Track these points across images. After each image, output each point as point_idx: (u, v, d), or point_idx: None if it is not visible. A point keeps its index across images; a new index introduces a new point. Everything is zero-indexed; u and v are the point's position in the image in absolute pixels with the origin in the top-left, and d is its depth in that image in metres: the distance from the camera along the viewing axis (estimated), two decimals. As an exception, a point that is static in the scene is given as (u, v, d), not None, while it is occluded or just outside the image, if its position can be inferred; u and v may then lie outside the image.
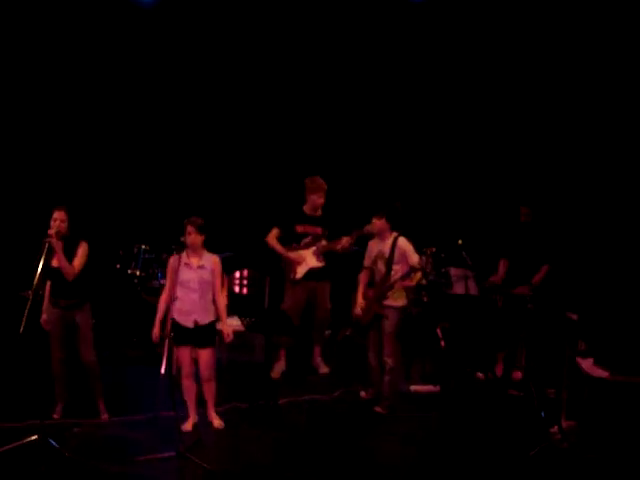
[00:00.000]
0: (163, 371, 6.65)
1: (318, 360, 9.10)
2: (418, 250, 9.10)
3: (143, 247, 9.83)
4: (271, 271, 9.12)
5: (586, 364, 6.22)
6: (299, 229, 8.84)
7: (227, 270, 9.38)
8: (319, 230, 8.83)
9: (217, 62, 11.18)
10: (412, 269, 7.53)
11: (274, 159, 11.11)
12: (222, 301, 7.19)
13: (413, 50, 10.92)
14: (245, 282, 9.42)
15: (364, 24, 10.84)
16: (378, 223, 7.76)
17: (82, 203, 10.30)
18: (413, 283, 7.69)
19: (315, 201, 8.80)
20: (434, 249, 9.27)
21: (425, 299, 9.08)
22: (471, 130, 10.84)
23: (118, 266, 9.91)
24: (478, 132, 10.80)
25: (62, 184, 10.20)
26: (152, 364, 8.32)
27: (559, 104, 10.30)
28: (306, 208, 8.88)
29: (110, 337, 9.56)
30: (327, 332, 9.51)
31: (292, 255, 8.76)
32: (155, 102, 11.13)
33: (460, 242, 9.24)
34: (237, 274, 9.41)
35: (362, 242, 8.32)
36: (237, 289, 9.40)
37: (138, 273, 9.80)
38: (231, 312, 8.23)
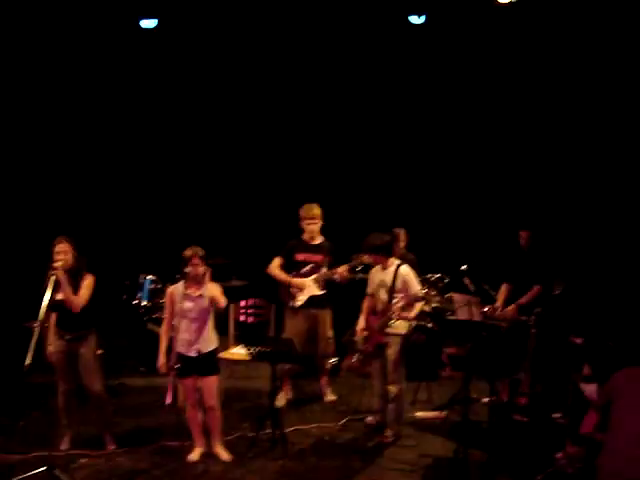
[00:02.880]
0: (169, 401, 6.74)
1: (324, 388, 9.12)
2: (422, 276, 9.26)
3: (149, 277, 9.88)
4: (277, 300, 9.13)
5: (590, 389, 6.22)
6: (299, 257, 8.87)
7: (233, 299, 9.48)
8: (319, 258, 8.85)
9: (211, 98, 11.33)
10: (413, 299, 7.57)
11: (276, 185, 11.20)
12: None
13: (411, 72, 11.02)
14: (251, 311, 9.45)
15: (362, 42, 10.95)
16: (374, 258, 7.84)
17: (87, 233, 10.53)
18: (413, 314, 7.71)
19: (307, 228, 8.83)
20: (436, 275, 9.31)
21: (430, 325, 9.13)
22: (471, 154, 10.92)
23: (125, 296, 9.96)
24: (478, 156, 10.88)
25: (66, 214, 10.29)
26: (158, 394, 8.44)
27: (557, 128, 10.37)
28: (305, 236, 8.92)
29: (117, 367, 9.63)
30: (334, 360, 9.52)
31: (296, 281, 8.81)
32: (161, 130, 11.24)
33: (464, 267, 9.29)
34: (242, 303, 9.45)
35: (367, 268, 8.36)
36: (242, 318, 9.45)
37: (144, 303, 9.84)
38: (237, 340, 8.30)
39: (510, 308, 8.62)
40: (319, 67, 11.21)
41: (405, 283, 7.66)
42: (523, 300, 8.56)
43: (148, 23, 10.75)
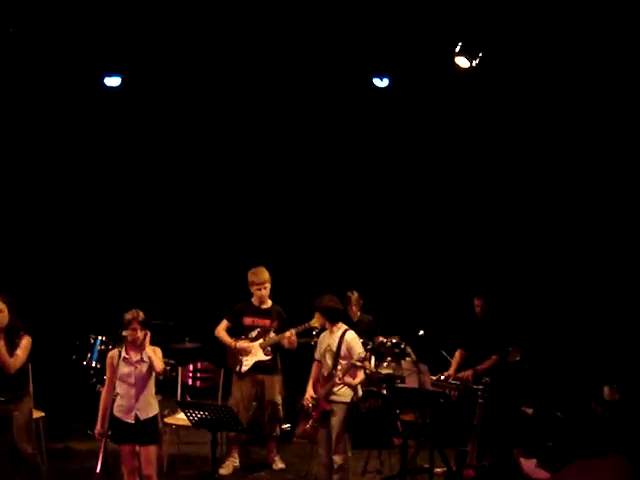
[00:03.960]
0: (98, 470, 6.54)
1: (273, 456, 8.88)
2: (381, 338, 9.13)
3: (100, 338, 9.68)
4: (225, 364, 8.96)
5: (528, 465, 6.04)
6: (247, 321, 8.72)
7: (181, 362, 9.30)
8: (267, 322, 8.70)
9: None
10: (356, 364, 7.41)
11: (228, 246, 11.13)
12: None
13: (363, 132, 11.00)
14: (199, 375, 9.27)
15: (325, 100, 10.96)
16: (322, 320, 7.72)
17: (37, 292, 10.39)
18: (357, 381, 7.55)
19: (257, 293, 8.70)
20: (393, 340, 9.15)
21: (385, 392, 8.94)
22: (427, 217, 10.91)
23: (74, 357, 9.75)
24: (433, 218, 10.86)
25: (14, 272, 10.13)
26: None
27: (509, 194, 10.38)
28: (254, 300, 8.78)
29: (64, 430, 9.38)
30: (286, 426, 9.32)
31: (240, 345, 8.63)
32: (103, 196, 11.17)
33: (421, 333, 9.16)
34: (191, 366, 9.26)
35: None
36: (190, 382, 9.25)
37: (94, 364, 9.63)
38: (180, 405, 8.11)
39: (467, 373, 8.45)
40: (273, 121, 11.20)
41: (349, 349, 7.51)
42: (480, 367, 8.42)
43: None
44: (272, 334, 8.67)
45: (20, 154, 10.78)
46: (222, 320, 8.77)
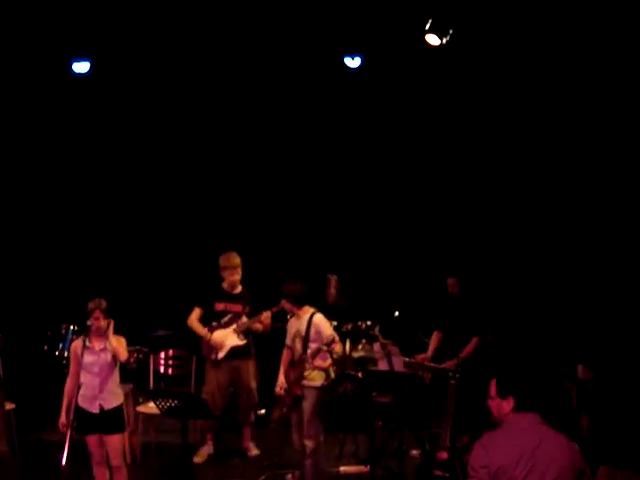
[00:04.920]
0: (64, 462, 6.44)
1: (247, 442, 8.80)
2: (353, 323, 9.03)
3: (72, 327, 9.54)
4: (197, 351, 8.85)
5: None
6: (218, 307, 8.61)
7: (153, 349, 9.19)
8: (239, 307, 8.60)
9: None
10: (326, 346, 7.30)
11: (195, 232, 11.02)
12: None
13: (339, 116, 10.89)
14: (171, 362, 9.18)
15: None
16: (284, 304, 7.63)
17: (7, 281, 10.26)
18: (328, 363, 7.45)
19: (229, 278, 8.60)
20: (367, 323, 9.05)
21: (359, 375, 8.84)
22: (398, 197, 10.80)
23: (46, 347, 9.62)
24: (406, 200, 10.76)
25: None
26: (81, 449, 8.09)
27: (485, 172, 10.27)
28: (225, 285, 8.67)
29: (36, 422, 9.27)
30: (261, 411, 9.23)
31: (215, 338, 8.52)
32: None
33: (397, 314, 9.09)
34: (162, 354, 9.16)
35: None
36: (162, 369, 9.15)
37: (66, 354, 9.48)
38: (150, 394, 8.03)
39: (451, 363, 8.29)
40: (246, 109, 11.04)
41: (318, 332, 7.42)
42: (464, 354, 8.30)
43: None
44: (244, 318, 8.58)
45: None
46: (193, 309, 8.65)
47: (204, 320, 8.62)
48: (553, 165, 9.75)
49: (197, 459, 8.50)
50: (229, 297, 8.64)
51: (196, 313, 8.63)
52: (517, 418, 4.87)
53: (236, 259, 8.60)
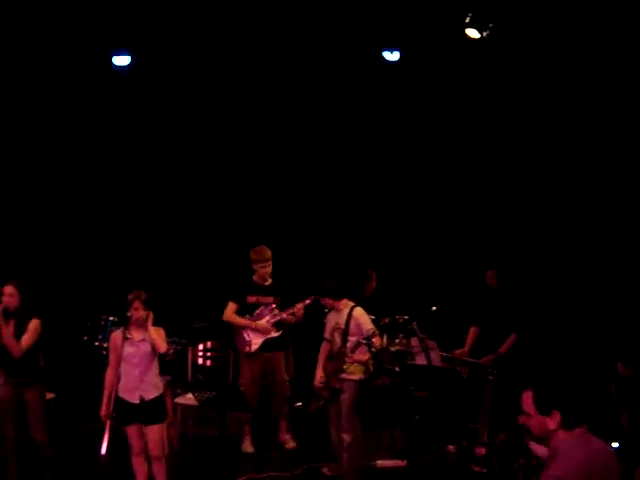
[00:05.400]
0: (104, 451, 6.51)
1: (284, 435, 8.84)
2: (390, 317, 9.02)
3: (111, 319, 9.62)
4: (232, 344, 8.90)
5: (541, 450, 5.86)
6: (250, 300, 8.68)
7: (191, 341, 9.25)
8: (270, 299, 8.67)
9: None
10: (366, 339, 7.30)
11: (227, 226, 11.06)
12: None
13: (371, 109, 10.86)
14: (209, 354, 9.23)
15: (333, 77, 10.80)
16: (324, 300, 7.69)
17: (49, 273, 10.35)
18: (365, 357, 7.45)
19: (260, 271, 8.65)
20: (404, 317, 9.04)
21: (397, 369, 8.84)
22: (435, 191, 10.76)
23: (85, 338, 9.72)
24: (443, 193, 10.71)
25: (26, 253, 10.14)
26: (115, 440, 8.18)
27: (523, 166, 10.19)
28: (256, 278, 8.72)
29: (76, 412, 9.38)
30: (299, 404, 9.28)
31: (259, 324, 8.58)
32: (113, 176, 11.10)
33: (434, 309, 9.04)
34: (200, 346, 9.22)
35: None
36: (201, 361, 9.21)
37: (105, 345, 9.58)
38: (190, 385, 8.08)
39: (489, 358, 8.28)
40: (282, 103, 11.04)
41: (357, 326, 7.42)
42: (502, 350, 8.28)
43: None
44: (277, 310, 8.62)
45: (26, 141, 10.66)
46: (227, 303, 8.71)
47: (237, 314, 8.68)
48: (597, 159, 9.61)
49: (247, 449, 8.62)
50: (261, 290, 8.70)
51: (232, 307, 8.68)
52: (571, 438, 4.33)
53: (267, 252, 8.67)
